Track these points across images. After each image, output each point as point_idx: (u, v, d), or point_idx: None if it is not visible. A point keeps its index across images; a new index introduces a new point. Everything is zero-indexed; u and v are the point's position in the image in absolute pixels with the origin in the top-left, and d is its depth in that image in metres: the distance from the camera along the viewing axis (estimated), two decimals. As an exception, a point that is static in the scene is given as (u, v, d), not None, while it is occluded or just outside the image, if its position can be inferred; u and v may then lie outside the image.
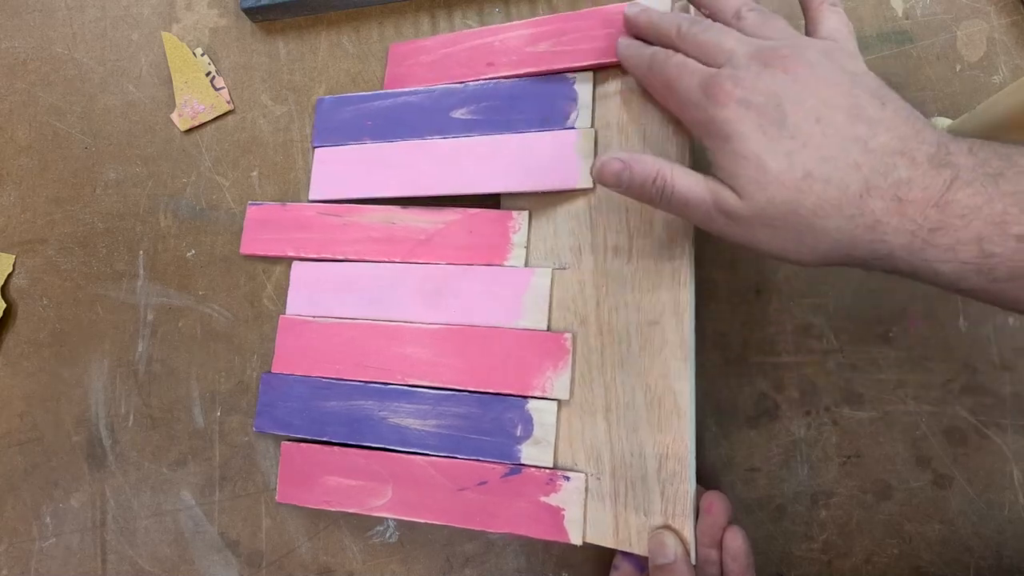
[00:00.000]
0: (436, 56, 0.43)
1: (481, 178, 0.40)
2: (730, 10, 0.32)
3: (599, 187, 0.37)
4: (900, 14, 0.42)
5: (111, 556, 0.41)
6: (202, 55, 0.46)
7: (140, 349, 0.43)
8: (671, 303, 0.33)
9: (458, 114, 0.41)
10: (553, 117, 0.39)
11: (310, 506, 0.39)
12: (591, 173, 0.32)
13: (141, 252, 0.44)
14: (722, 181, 0.28)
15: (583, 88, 0.39)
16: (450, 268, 0.40)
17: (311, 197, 0.43)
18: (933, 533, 0.38)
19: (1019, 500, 0.38)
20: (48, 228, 0.45)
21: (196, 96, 0.45)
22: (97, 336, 0.43)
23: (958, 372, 0.39)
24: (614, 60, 0.37)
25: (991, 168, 0.26)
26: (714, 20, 0.32)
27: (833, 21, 0.30)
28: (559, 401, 0.37)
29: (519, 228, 0.40)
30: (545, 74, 0.40)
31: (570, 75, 0.39)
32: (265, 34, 0.46)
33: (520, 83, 0.40)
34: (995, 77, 0.41)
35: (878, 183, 0.26)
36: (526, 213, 0.40)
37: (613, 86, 0.38)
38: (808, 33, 0.31)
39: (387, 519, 0.40)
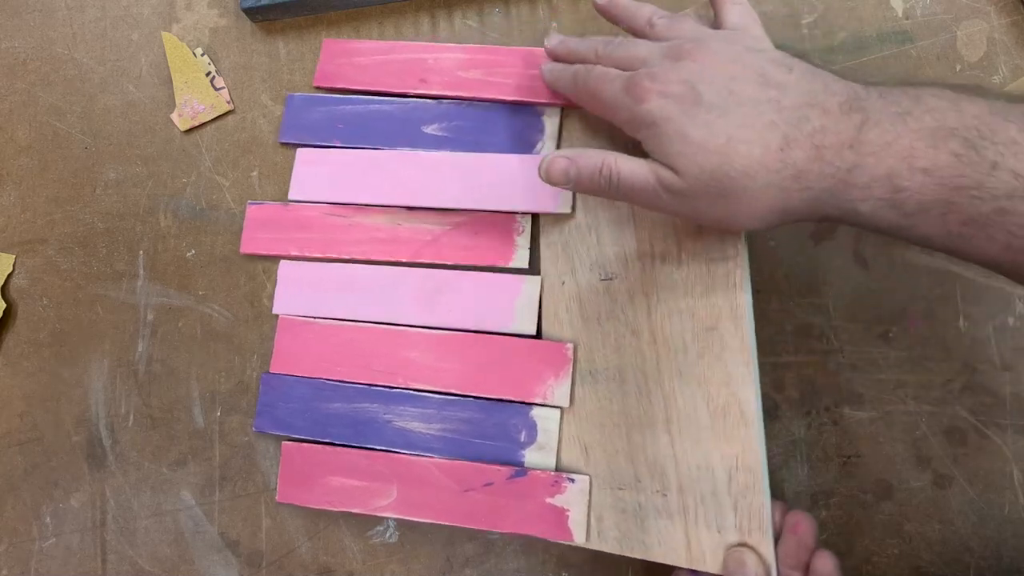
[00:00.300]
0: (370, 61, 0.44)
1: (466, 194, 0.41)
2: (643, 19, 0.35)
3: None
4: (900, 14, 0.42)
5: (111, 556, 0.41)
6: (202, 55, 0.46)
7: (140, 349, 0.43)
8: (727, 307, 0.32)
9: (430, 129, 0.42)
10: (520, 144, 0.41)
11: (312, 506, 0.40)
12: (539, 174, 0.34)
13: (141, 252, 0.44)
14: (660, 163, 0.30)
15: (551, 121, 0.42)
16: (445, 273, 0.41)
17: (291, 196, 0.43)
18: (933, 533, 0.38)
19: (1019, 500, 0.38)
20: (48, 228, 0.45)
21: (196, 96, 0.45)
22: (97, 336, 0.43)
23: (958, 372, 0.39)
24: (541, 100, 0.41)
25: (900, 108, 0.28)
26: (629, 30, 0.36)
27: (735, 14, 0.33)
28: (561, 408, 0.38)
29: (523, 230, 0.41)
30: (475, 100, 0.42)
31: (539, 107, 0.42)
32: (265, 34, 0.46)
33: (492, 108, 0.42)
34: (995, 77, 0.41)
35: (795, 135, 0.28)
36: (529, 217, 0.41)
37: (579, 123, 0.41)
38: (717, 27, 0.34)
39: (387, 520, 0.40)
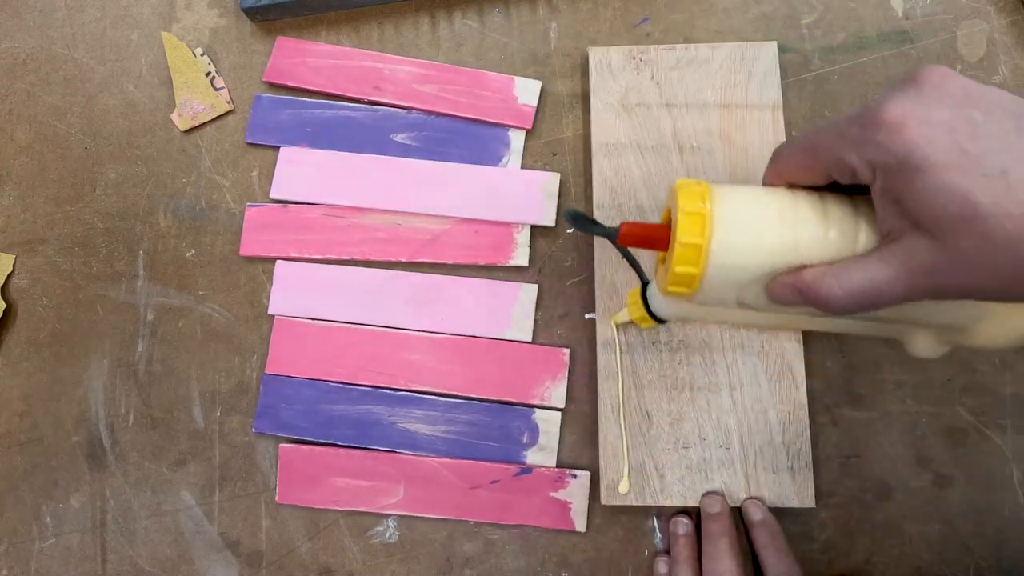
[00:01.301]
0: (324, 63, 0.44)
1: (453, 203, 0.42)
2: None
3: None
4: (900, 14, 0.42)
5: (111, 556, 0.41)
6: (202, 55, 0.45)
7: (140, 349, 0.43)
8: None
9: (399, 138, 0.43)
10: (486, 157, 0.43)
11: (316, 506, 0.40)
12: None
13: (141, 252, 0.44)
14: (902, 231, 0.23)
15: (516, 136, 0.43)
16: (442, 278, 0.41)
17: (272, 195, 0.43)
18: (933, 533, 0.38)
19: (1019, 500, 0.38)
20: (48, 228, 0.45)
21: (196, 96, 0.45)
22: (97, 336, 0.43)
23: (958, 372, 0.39)
24: (487, 119, 0.43)
25: None
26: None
27: None
28: (561, 410, 0.40)
29: (522, 228, 0.42)
30: (428, 113, 0.43)
31: (504, 124, 0.43)
32: (265, 34, 0.46)
33: (460, 120, 0.43)
34: (995, 77, 0.41)
35: None
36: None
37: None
38: None
39: (388, 520, 0.40)
